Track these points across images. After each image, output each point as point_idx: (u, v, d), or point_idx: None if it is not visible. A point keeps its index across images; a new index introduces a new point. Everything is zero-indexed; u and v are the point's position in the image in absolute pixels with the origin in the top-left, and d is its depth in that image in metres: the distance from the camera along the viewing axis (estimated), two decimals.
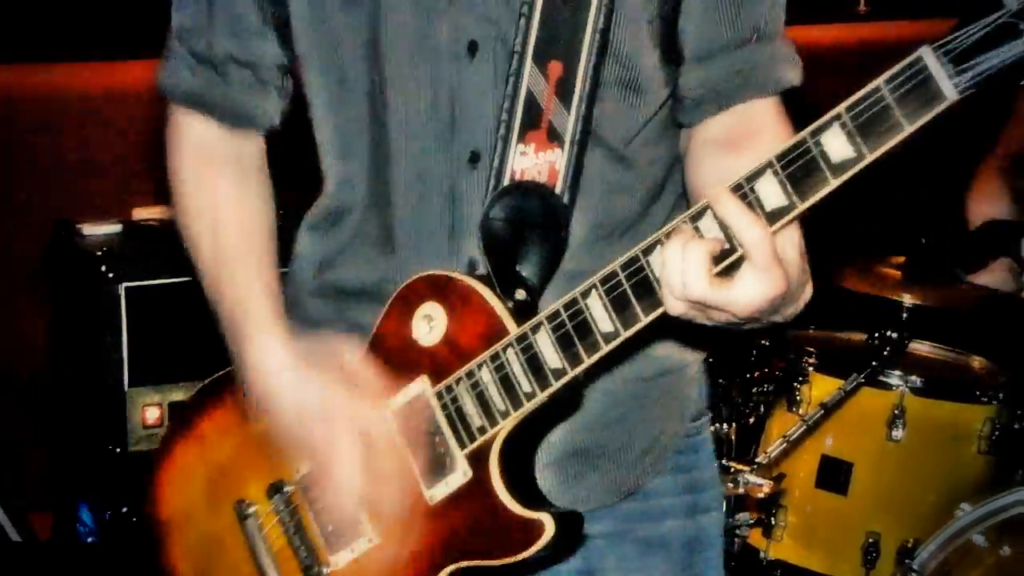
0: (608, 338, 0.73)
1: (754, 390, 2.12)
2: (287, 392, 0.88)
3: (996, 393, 2.08)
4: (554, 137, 0.82)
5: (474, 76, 0.85)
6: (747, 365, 2.11)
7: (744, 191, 0.65)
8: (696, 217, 0.68)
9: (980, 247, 2.29)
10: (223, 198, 0.96)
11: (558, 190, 0.83)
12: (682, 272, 0.65)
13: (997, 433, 2.04)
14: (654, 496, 0.97)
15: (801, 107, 0.84)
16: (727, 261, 0.67)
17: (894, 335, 2.04)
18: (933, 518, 1.97)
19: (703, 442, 1.04)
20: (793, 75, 0.87)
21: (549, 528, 0.79)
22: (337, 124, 0.92)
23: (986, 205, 2.36)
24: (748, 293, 0.66)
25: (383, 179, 0.89)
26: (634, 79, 0.85)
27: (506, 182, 0.83)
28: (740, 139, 0.84)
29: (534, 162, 0.83)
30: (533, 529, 0.80)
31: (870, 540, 2.02)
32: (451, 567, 0.84)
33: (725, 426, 2.03)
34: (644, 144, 0.90)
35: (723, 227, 0.66)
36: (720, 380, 2.00)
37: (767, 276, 0.65)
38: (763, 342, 2.10)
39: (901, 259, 2.29)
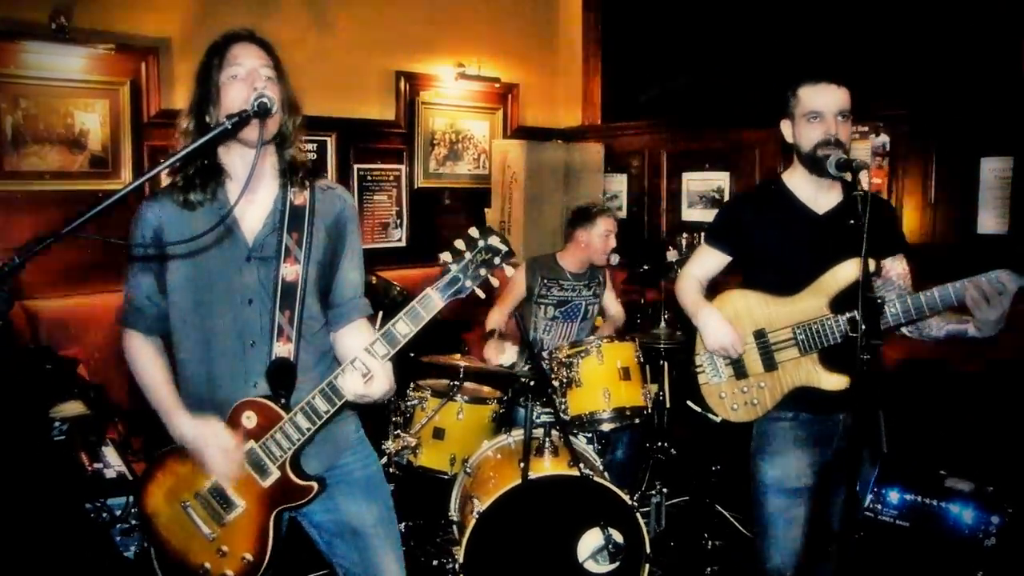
0: (322, 416, 1.92)
1: None
2: (188, 431, 1.98)
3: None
4: (288, 338, 1.98)
5: (251, 312, 1.99)
6: None
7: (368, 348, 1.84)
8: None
9: None
10: (150, 364, 2.06)
11: (292, 359, 1.99)
12: (353, 382, 1.84)
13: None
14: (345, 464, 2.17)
15: None
16: (367, 376, 1.84)
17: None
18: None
19: (360, 440, 2.24)
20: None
21: (318, 486, 2.00)
22: (186, 332, 2.02)
23: None
24: (352, 384, 1.85)
25: (209, 354, 2.01)
26: (316, 314, 2.04)
27: (272, 357, 1.98)
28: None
29: (284, 348, 1.98)
30: (310, 488, 1.99)
31: None
32: (277, 509, 2.02)
33: None
34: (321, 329, 2.09)
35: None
36: None
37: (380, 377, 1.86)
38: None
39: None
